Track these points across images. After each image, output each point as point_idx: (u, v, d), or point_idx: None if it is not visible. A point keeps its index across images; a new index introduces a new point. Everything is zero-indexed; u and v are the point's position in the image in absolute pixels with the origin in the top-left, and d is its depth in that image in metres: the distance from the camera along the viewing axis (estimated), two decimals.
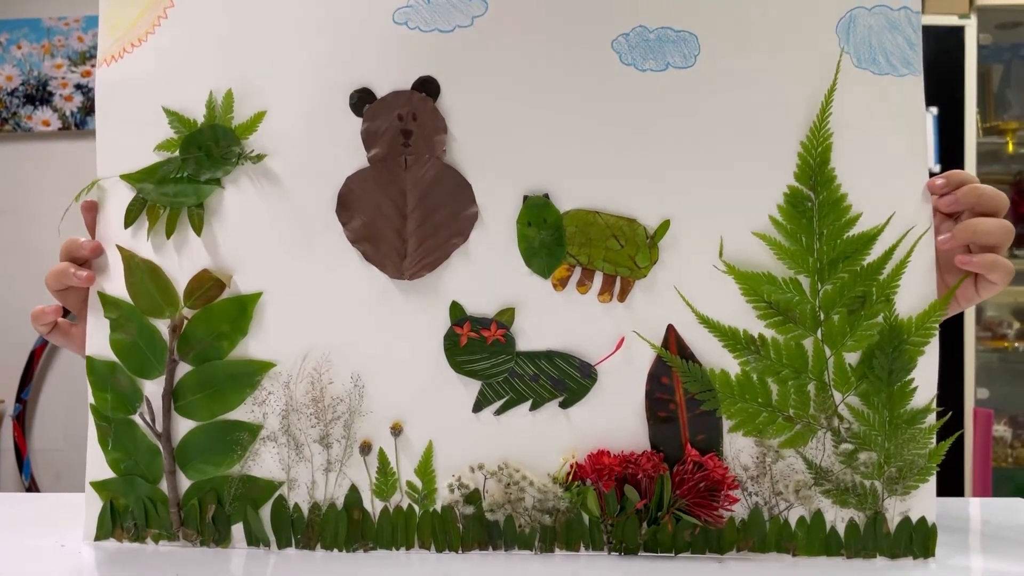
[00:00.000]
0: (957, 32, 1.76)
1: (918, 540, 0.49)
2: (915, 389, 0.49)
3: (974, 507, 0.64)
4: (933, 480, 0.50)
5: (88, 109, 2.04)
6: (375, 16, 0.52)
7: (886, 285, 0.49)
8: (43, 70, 2.05)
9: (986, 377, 1.85)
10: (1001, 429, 1.93)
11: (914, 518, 0.49)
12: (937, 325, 0.49)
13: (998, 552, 0.52)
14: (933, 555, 0.49)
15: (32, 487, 2.06)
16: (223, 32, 0.53)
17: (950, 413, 0.50)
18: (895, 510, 0.50)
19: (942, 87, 1.72)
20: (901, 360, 0.49)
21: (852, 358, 0.50)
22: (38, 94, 2.05)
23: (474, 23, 0.51)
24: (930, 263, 0.49)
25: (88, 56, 2.04)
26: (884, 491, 0.50)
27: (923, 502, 0.49)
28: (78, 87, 2.04)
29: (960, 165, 1.71)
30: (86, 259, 0.54)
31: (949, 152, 1.72)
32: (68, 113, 2.04)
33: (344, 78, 0.52)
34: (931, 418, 0.49)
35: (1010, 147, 1.93)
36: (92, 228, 0.54)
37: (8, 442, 2.08)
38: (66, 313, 0.56)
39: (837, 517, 0.50)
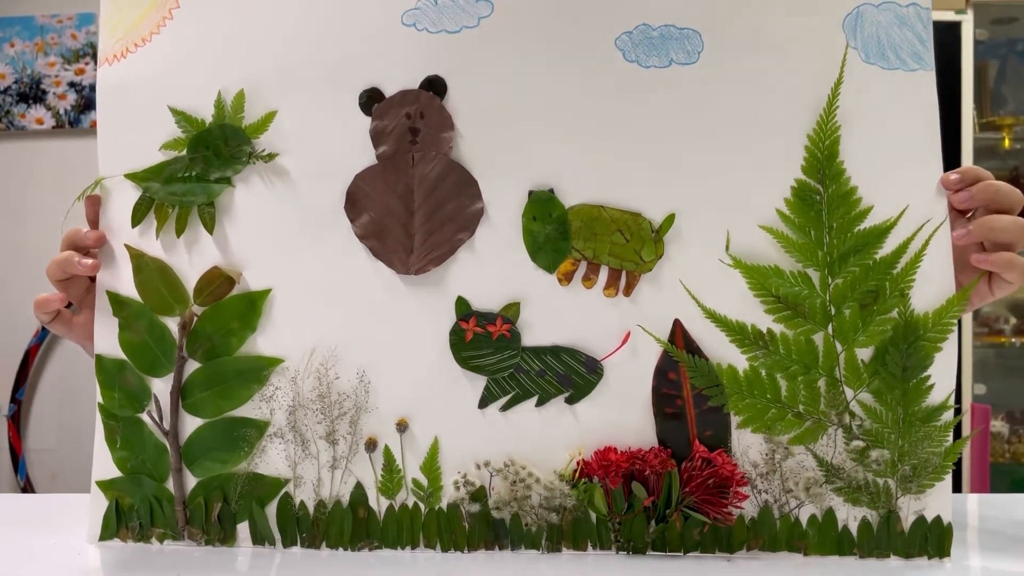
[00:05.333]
0: (953, 28, 1.75)
1: (933, 540, 0.48)
2: (931, 386, 0.48)
3: (974, 503, 0.63)
4: (948, 479, 0.49)
5: (82, 107, 2.05)
6: (384, 18, 0.52)
7: (900, 279, 0.49)
8: (36, 68, 2.05)
9: (983, 373, 1.83)
10: (998, 424, 1.91)
11: (929, 517, 0.48)
12: (955, 321, 0.48)
13: (1014, 552, 0.51)
14: (948, 555, 0.48)
15: (27, 487, 2.06)
16: (230, 33, 0.53)
17: (964, 411, 0.49)
18: (909, 509, 0.49)
19: (938, 83, 1.71)
20: (917, 356, 0.48)
21: (864, 354, 0.49)
22: (31, 92, 2.05)
23: (480, 24, 0.51)
24: (946, 257, 0.49)
25: (82, 54, 2.05)
26: (898, 489, 0.49)
27: (938, 501, 0.48)
28: (72, 85, 2.05)
29: (957, 161, 1.69)
30: (89, 248, 0.54)
31: (946, 148, 1.71)
32: (62, 111, 2.05)
33: (353, 78, 0.52)
34: (947, 415, 0.49)
35: (1007, 142, 1.93)
36: (94, 223, 0.54)
37: (3, 442, 2.09)
38: (67, 304, 0.57)
39: (849, 515, 0.49)
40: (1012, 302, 1.90)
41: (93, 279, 0.55)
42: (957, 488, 1.68)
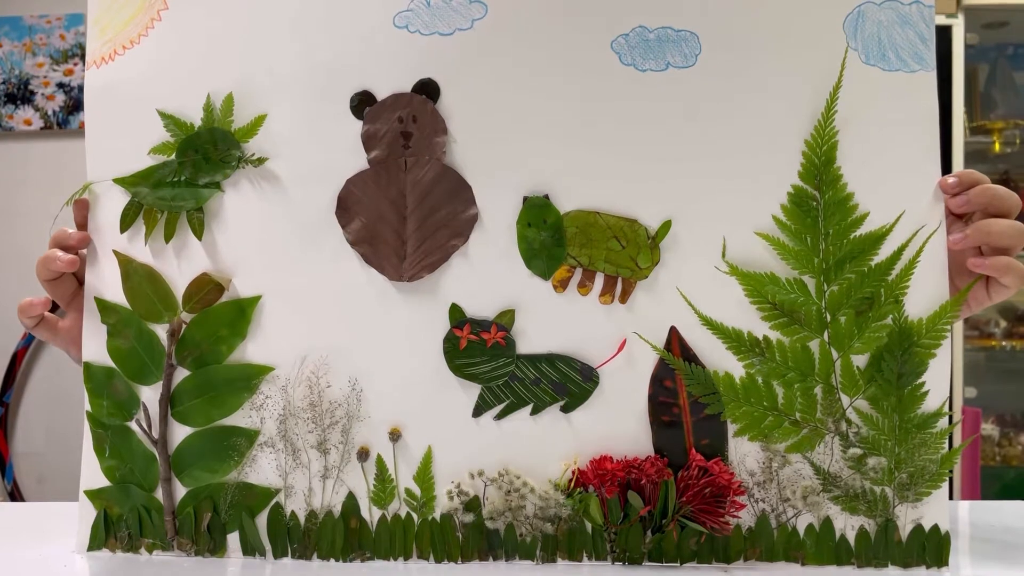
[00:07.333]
0: (944, 31, 1.77)
1: (931, 549, 0.48)
2: (926, 393, 0.48)
3: (965, 510, 0.62)
4: (945, 487, 0.48)
5: (70, 108, 2.02)
6: (376, 20, 0.51)
7: (895, 286, 0.48)
8: (24, 69, 2.02)
9: (973, 376, 1.85)
10: (988, 428, 1.93)
11: (926, 526, 0.48)
12: (949, 327, 0.48)
13: (1010, 559, 0.51)
14: (947, 564, 0.48)
15: (15, 491, 2.04)
16: (219, 35, 0.52)
17: (961, 419, 0.49)
18: (907, 517, 0.48)
19: None
20: (911, 363, 0.48)
21: (860, 361, 0.49)
22: (19, 93, 2.02)
23: (474, 26, 0.51)
24: (941, 263, 0.48)
25: (70, 55, 2.02)
26: (895, 498, 0.49)
27: (935, 509, 0.48)
28: (60, 86, 2.02)
29: (947, 164, 1.71)
30: (73, 248, 0.53)
31: None
32: (50, 112, 2.02)
33: (345, 81, 0.51)
34: (943, 422, 0.48)
35: (996, 146, 1.94)
36: (82, 227, 0.54)
37: None
38: (53, 308, 0.56)
39: (847, 524, 0.49)
40: (1002, 305, 1.91)
41: (82, 283, 0.54)
42: (948, 492, 1.70)
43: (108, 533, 0.53)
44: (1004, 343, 1.92)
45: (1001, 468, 1.92)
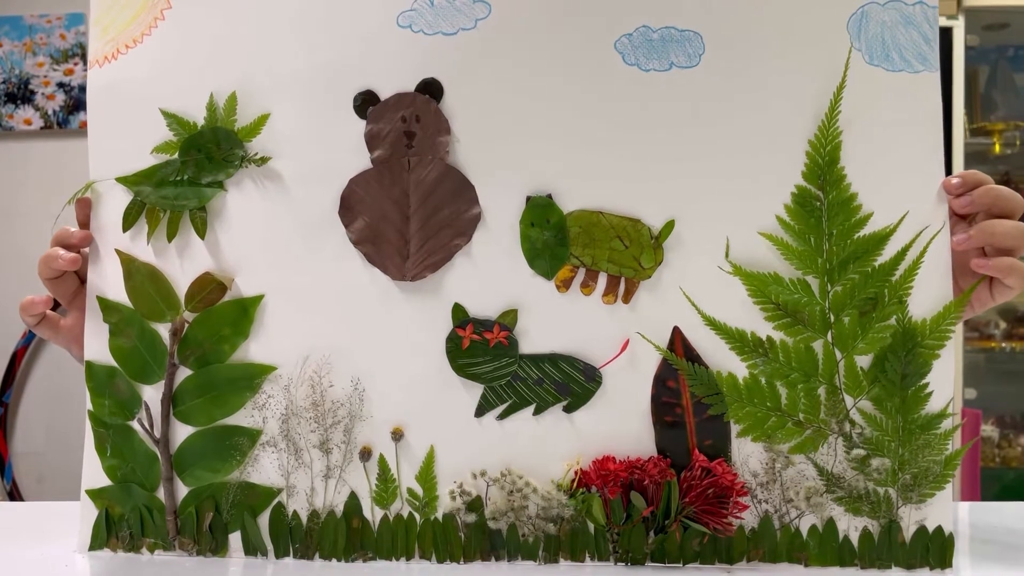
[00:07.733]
0: (945, 33, 1.77)
1: (935, 550, 0.48)
2: (930, 394, 0.48)
3: (965, 511, 0.62)
4: (949, 488, 0.48)
5: (70, 108, 2.02)
6: (379, 19, 0.51)
7: (899, 286, 0.48)
8: (25, 68, 2.02)
9: (973, 377, 1.85)
10: (988, 429, 1.94)
11: (930, 527, 0.48)
12: (953, 328, 0.48)
13: (1013, 561, 0.50)
14: (951, 566, 0.48)
15: (14, 491, 2.04)
16: (223, 34, 0.52)
17: (965, 420, 0.49)
18: (910, 519, 0.48)
19: None
20: (915, 364, 0.48)
21: (864, 361, 0.48)
22: (19, 93, 2.02)
23: (477, 25, 0.51)
24: (945, 264, 0.48)
25: (71, 54, 2.02)
26: (898, 499, 0.48)
27: (938, 510, 0.48)
28: (60, 85, 2.02)
29: (948, 166, 1.71)
30: (75, 246, 0.53)
31: None
32: (50, 112, 2.02)
33: (348, 81, 0.51)
34: (947, 423, 0.48)
35: (997, 148, 1.95)
36: (85, 226, 0.54)
37: None
38: (55, 307, 0.56)
39: (850, 526, 0.49)
40: (1002, 307, 1.92)
41: (84, 281, 0.54)
42: (951, 493, 1.70)
43: (109, 533, 0.52)
44: (1004, 344, 1.93)
45: (1001, 469, 1.92)
